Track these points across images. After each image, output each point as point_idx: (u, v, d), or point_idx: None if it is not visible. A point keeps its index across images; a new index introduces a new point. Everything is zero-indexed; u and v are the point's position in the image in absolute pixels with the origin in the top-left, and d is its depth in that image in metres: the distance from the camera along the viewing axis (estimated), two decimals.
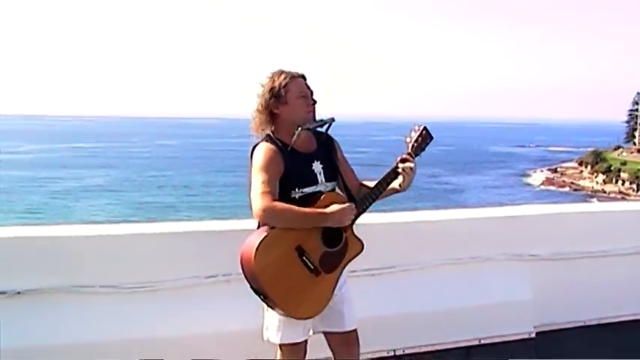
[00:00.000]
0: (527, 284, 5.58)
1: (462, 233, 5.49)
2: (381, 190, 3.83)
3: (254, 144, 3.77)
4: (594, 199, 76.05)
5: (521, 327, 5.55)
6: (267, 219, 3.53)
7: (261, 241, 3.51)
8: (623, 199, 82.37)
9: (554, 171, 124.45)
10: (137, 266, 4.63)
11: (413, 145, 3.91)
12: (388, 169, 3.85)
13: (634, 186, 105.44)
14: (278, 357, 3.90)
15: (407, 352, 5.11)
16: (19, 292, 4.34)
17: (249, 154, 3.75)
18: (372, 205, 3.84)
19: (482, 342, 5.40)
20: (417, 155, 3.91)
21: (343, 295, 3.90)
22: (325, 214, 3.61)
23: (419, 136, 3.93)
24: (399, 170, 3.84)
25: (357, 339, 4.03)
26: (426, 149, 3.95)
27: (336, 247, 3.72)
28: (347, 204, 3.69)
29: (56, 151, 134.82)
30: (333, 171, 3.87)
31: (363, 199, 3.80)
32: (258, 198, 3.53)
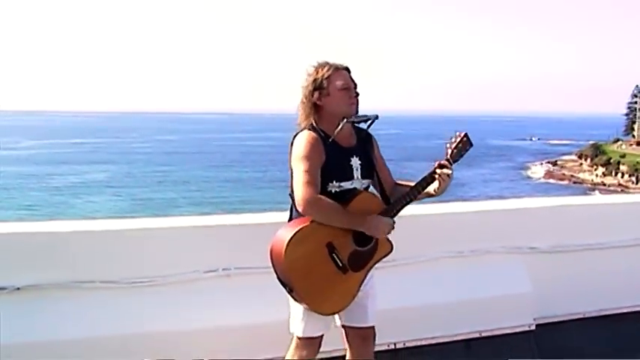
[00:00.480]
0: (527, 277, 5.58)
1: (461, 226, 5.50)
2: (416, 193, 3.83)
3: (295, 132, 3.78)
4: (595, 192, 76.11)
5: (521, 319, 5.56)
6: (309, 210, 3.56)
7: (294, 235, 3.53)
8: (622, 191, 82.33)
9: (554, 164, 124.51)
10: (137, 261, 4.63)
11: (452, 152, 3.89)
12: (425, 173, 3.84)
13: (633, 178, 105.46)
14: (292, 346, 3.90)
15: (407, 345, 5.11)
16: (18, 288, 4.34)
17: (290, 142, 3.75)
18: (406, 207, 3.83)
19: (483, 335, 5.41)
20: (455, 161, 3.88)
21: (368, 291, 3.91)
22: (365, 221, 3.64)
23: (459, 143, 3.91)
24: (436, 175, 3.83)
25: (375, 335, 4.04)
26: (465, 155, 3.92)
27: (366, 246, 3.74)
28: (388, 220, 3.71)
29: (56, 147, 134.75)
30: (370, 168, 3.88)
31: (398, 201, 3.80)
32: (303, 187, 3.55)
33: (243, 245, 4.83)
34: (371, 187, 3.92)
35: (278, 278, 3.66)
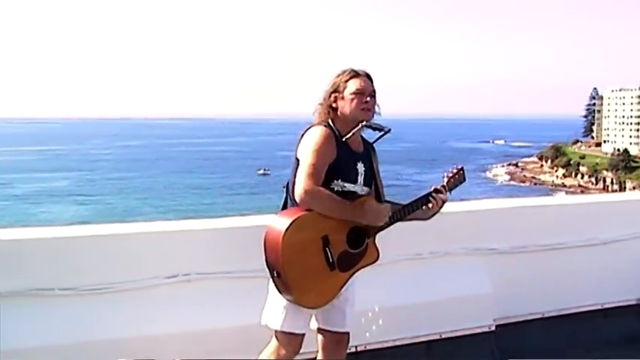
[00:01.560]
0: (487, 278, 5.63)
1: (421, 228, 5.49)
2: (410, 210, 3.95)
3: (308, 126, 3.80)
4: (562, 193, 76.79)
5: (481, 320, 5.60)
6: (308, 201, 3.56)
7: (295, 219, 3.53)
8: (582, 192, 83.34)
9: (515, 166, 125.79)
10: (97, 268, 4.59)
11: (449, 180, 4.09)
12: (422, 194, 4.00)
13: (593, 179, 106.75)
14: (272, 345, 3.85)
15: (368, 347, 5.13)
16: None
17: (300, 135, 3.76)
18: (396, 223, 3.93)
19: (443, 336, 5.44)
20: (449, 190, 4.07)
21: (348, 297, 3.91)
22: (363, 209, 3.69)
23: (456, 174, 4.14)
24: (432, 198, 3.98)
25: (348, 340, 4.05)
26: (456, 188, 4.15)
27: (357, 249, 3.77)
28: (384, 205, 3.79)
29: (15, 154, 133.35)
30: (371, 178, 3.91)
31: (394, 214, 3.86)
32: (306, 178, 3.56)
33: (203, 250, 4.82)
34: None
35: (266, 261, 3.62)
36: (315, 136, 3.69)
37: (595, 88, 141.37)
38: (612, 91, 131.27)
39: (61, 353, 4.41)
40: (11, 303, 4.36)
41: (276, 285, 3.68)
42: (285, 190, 3.77)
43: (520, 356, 5.42)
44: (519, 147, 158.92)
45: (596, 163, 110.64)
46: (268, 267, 3.64)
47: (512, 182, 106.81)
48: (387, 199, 4.04)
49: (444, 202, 4.00)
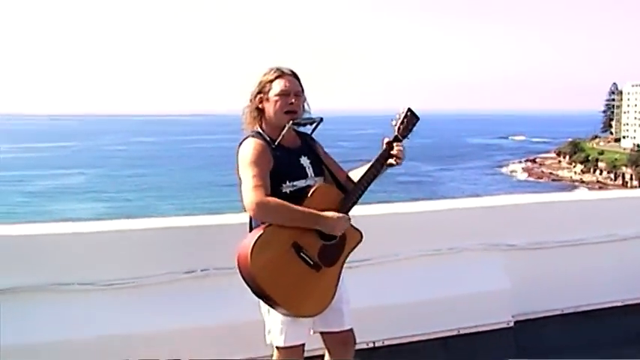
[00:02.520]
0: (505, 274, 5.61)
1: (439, 224, 5.51)
2: (372, 176, 3.78)
3: (240, 140, 3.73)
4: (584, 189, 76.47)
5: (499, 316, 5.58)
6: (259, 214, 3.51)
7: (256, 241, 3.44)
8: (600, 188, 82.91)
9: (533, 162, 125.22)
10: (115, 263, 4.61)
11: (399, 128, 3.85)
12: (377, 155, 3.80)
13: (611, 175, 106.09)
14: (275, 357, 3.81)
15: (386, 343, 5.12)
16: None
17: (236, 151, 3.71)
18: (363, 195, 3.79)
19: (461, 332, 5.42)
20: (404, 137, 3.86)
21: (341, 295, 3.82)
22: (320, 217, 3.57)
23: (404, 118, 3.87)
24: (392, 154, 3.79)
25: (354, 337, 3.99)
26: (413, 130, 3.90)
27: (334, 239, 3.67)
28: (343, 216, 3.66)
29: (32, 150, 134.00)
30: (320, 167, 3.85)
31: (356, 187, 3.76)
32: (251, 192, 3.49)
33: (221, 245, 4.81)
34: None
35: (251, 289, 3.56)
36: (248, 150, 3.63)
37: (614, 83, 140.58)
38: (632, 86, 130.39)
39: (81, 348, 4.43)
40: (31, 298, 4.38)
41: (270, 305, 3.63)
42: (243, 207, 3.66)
43: (538, 353, 5.41)
44: (537, 142, 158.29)
45: (615, 159, 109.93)
46: (255, 294, 3.57)
47: (529, 178, 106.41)
48: (347, 172, 3.99)
49: (402, 151, 3.79)
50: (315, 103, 3.89)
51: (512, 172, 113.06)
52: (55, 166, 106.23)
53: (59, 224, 5.06)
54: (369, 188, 3.79)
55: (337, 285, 3.72)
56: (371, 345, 5.09)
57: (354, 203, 3.75)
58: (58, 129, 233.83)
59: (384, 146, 3.82)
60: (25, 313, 4.36)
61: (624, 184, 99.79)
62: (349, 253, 3.77)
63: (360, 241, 3.82)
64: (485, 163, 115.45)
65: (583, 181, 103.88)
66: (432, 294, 5.31)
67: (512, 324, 5.61)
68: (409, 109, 3.89)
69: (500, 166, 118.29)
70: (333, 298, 3.70)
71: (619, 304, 6.12)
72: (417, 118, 3.91)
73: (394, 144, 3.82)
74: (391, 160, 3.81)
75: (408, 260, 5.23)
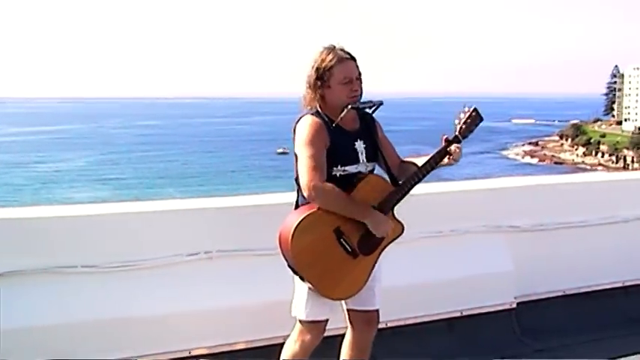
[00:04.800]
0: (508, 255, 5.62)
1: (441, 206, 5.51)
2: (425, 172, 3.80)
3: (299, 116, 3.77)
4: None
5: (502, 298, 5.59)
6: (314, 197, 3.55)
7: (299, 223, 3.53)
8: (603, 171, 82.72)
9: (536, 144, 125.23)
10: (118, 245, 4.61)
11: (461, 127, 3.85)
12: (435, 151, 3.81)
13: (613, 158, 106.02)
14: (296, 331, 3.87)
15: (389, 325, 5.12)
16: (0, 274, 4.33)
17: (293, 127, 3.75)
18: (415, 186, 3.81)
19: (464, 314, 5.43)
20: (464, 137, 3.84)
21: (375, 274, 3.85)
22: (369, 214, 3.64)
23: (468, 118, 3.86)
24: (450, 150, 3.78)
25: (379, 317, 4.04)
26: (475, 131, 3.89)
27: None
28: (389, 219, 3.73)
29: (37, 134, 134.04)
30: (375, 151, 3.87)
31: (407, 181, 3.79)
32: (309, 173, 3.55)
33: (225, 228, 4.83)
34: (376, 170, 3.90)
35: (288, 265, 3.66)
36: (305, 127, 3.67)
37: (616, 66, 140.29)
38: (634, 69, 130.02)
39: (84, 330, 4.43)
40: (34, 280, 4.38)
41: (301, 279, 3.70)
42: (296, 183, 3.73)
43: (541, 333, 5.44)
44: (539, 125, 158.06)
45: (617, 142, 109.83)
46: (291, 269, 3.67)
47: (531, 161, 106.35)
48: (402, 159, 4.00)
49: (460, 150, 3.78)
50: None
51: (514, 154, 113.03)
52: (58, 149, 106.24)
53: (63, 207, 5.09)
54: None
55: (370, 273, 3.76)
56: None
57: (401, 198, 3.79)
58: (62, 112, 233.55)
59: (443, 143, 3.82)
60: (29, 296, 4.36)
61: (626, 167, 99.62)
62: (388, 244, 3.82)
63: (401, 233, 3.87)
64: (487, 145, 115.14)
65: (585, 164, 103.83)
66: (435, 276, 5.32)
67: (514, 305, 5.61)
68: (475, 109, 3.88)
69: (503, 149, 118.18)
70: (363, 285, 3.76)
71: (620, 285, 6.13)
72: (481, 119, 3.90)
73: (453, 144, 3.81)
74: (446, 160, 3.81)
75: (411, 242, 5.20)
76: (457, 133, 3.84)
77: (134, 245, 4.65)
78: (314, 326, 3.82)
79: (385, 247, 3.80)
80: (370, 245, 3.71)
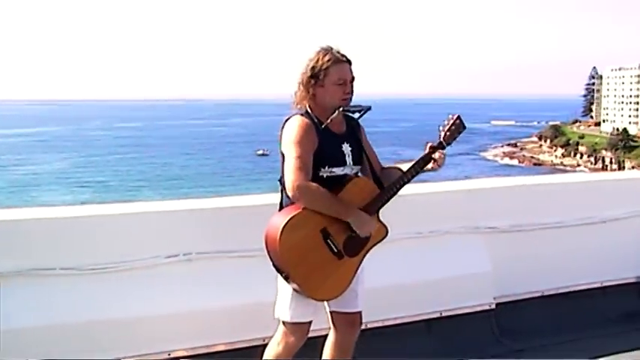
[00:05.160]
0: (486, 256, 5.63)
1: (420, 207, 5.51)
2: (410, 176, 3.85)
3: (287, 116, 3.76)
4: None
5: (481, 299, 5.60)
6: (299, 197, 3.54)
7: (288, 221, 3.52)
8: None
9: (514, 146, 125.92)
10: (97, 247, 4.59)
11: (445, 134, 3.90)
12: (420, 156, 3.86)
13: (592, 159, 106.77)
14: (280, 333, 3.87)
15: (369, 326, 5.10)
16: None
17: (281, 127, 3.75)
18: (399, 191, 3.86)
19: (443, 314, 5.44)
20: (448, 144, 3.90)
21: (358, 276, 3.87)
22: (354, 213, 3.65)
23: (452, 125, 3.92)
24: (434, 157, 3.84)
25: (362, 319, 4.06)
26: (457, 138, 3.95)
27: None
28: (374, 219, 3.76)
29: (14, 136, 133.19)
30: (360, 154, 3.89)
31: (393, 185, 3.83)
32: (294, 173, 3.54)
33: (204, 230, 4.83)
34: (360, 174, 3.92)
35: (273, 265, 3.64)
36: (293, 127, 3.67)
37: (594, 68, 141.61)
38: (612, 70, 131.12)
39: (62, 332, 4.41)
40: (12, 282, 4.35)
41: (286, 280, 3.69)
42: (280, 184, 3.73)
43: (520, 334, 5.46)
44: (518, 127, 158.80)
45: (595, 143, 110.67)
46: (276, 269, 3.66)
47: (510, 162, 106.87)
48: (383, 166, 4.05)
49: (444, 156, 3.85)
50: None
51: (493, 156, 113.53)
52: (37, 152, 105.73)
53: (41, 209, 5.05)
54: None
55: (354, 275, 3.78)
56: None
57: (386, 202, 3.83)
58: (42, 114, 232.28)
59: (427, 150, 3.87)
60: (7, 298, 4.32)
61: (604, 168, 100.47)
62: (373, 246, 3.84)
63: (385, 236, 3.90)
64: (466, 146, 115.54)
65: (563, 165, 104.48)
66: (414, 277, 5.33)
67: (493, 306, 5.62)
68: (458, 117, 3.95)
69: (482, 151, 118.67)
70: (347, 287, 3.77)
71: (598, 285, 6.16)
72: (464, 128, 3.97)
73: (438, 150, 3.86)
74: (430, 165, 3.87)
75: (390, 243, 5.19)
76: (441, 140, 3.90)
77: (113, 247, 4.63)
78: (298, 328, 3.82)
79: (369, 249, 3.82)
80: (355, 247, 3.73)
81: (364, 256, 3.81)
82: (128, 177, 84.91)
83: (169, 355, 4.62)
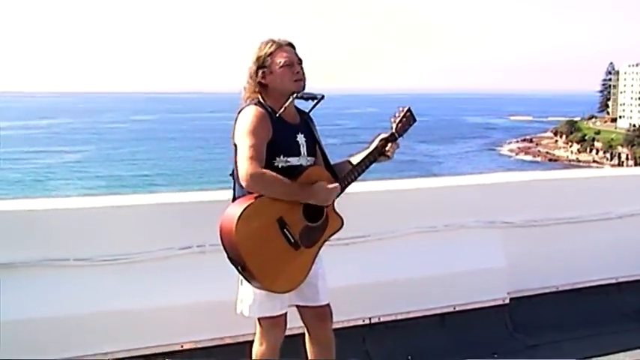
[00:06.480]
0: (501, 251, 5.62)
1: (435, 201, 5.50)
2: (364, 167, 3.86)
3: (240, 107, 3.72)
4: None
5: (495, 293, 5.58)
6: (253, 185, 3.49)
7: (243, 210, 3.46)
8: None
9: (530, 141, 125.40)
10: (111, 239, 4.61)
11: (397, 126, 3.94)
12: (371, 148, 3.88)
13: (607, 155, 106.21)
14: (258, 333, 3.87)
15: (382, 319, 5.13)
16: None
17: (234, 119, 3.70)
18: (350, 185, 3.84)
19: (457, 309, 5.43)
20: (400, 136, 3.94)
21: (317, 270, 3.83)
22: (313, 190, 3.61)
23: (403, 117, 3.96)
24: (385, 150, 3.88)
25: (331, 313, 3.99)
26: (409, 130, 3.99)
27: (317, 222, 3.70)
28: (334, 185, 3.70)
29: (31, 128, 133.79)
30: (314, 146, 3.86)
31: (348, 175, 3.81)
32: (246, 162, 3.48)
33: (217, 221, 4.82)
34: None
35: (228, 257, 3.57)
36: (248, 117, 3.62)
37: (611, 63, 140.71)
38: (629, 66, 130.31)
39: (76, 323, 4.44)
40: (26, 273, 4.38)
41: (244, 277, 3.63)
42: (232, 178, 3.70)
43: (533, 329, 5.44)
44: (534, 122, 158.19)
45: (612, 139, 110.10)
46: (231, 261, 3.58)
47: (526, 157, 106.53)
48: (344, 159, 4.02)
49: (397, 147, 3.90)
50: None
51: (509, 151, 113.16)
52: (52, 144, 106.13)
53: (56, 199, 5.06)
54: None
55: (311, 267, 3.74)
56: (367, 321, 5.10)
57: (342, 191, 3.79)
58: (57, 106, 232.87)
59: (379, 142, 3.89)
60: (21, 289, 4.34)
61: (620, 164, 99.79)
62: (329, 237, 3.81)
63: (341, 227, 3.86)
64: (482, 141, 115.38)
65: (579, 161, 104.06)
66: (428, 271, 5.32)
67: (507, 301, 5.61)
68: (409, 110, 3.99)
69: (497, 145, 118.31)
70: (304, 279, 3.72)
71: (613, 281, 6.14)
72: (415, 120, 4.01)
73: (390, 141, 3.91)
74: (383, 157, 3.91)
75: (405, 237, 5.23)
76: (394, 131, 3.94)
77: (127, 238, 4.65)
78: (273, 322, 3.80)
79: (325, 241, 3.78)
80: (312, 237, 3.69)
81: (319, 248, 3.77)
82: (142, 169, 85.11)
83: (182, 346, 4.63)
